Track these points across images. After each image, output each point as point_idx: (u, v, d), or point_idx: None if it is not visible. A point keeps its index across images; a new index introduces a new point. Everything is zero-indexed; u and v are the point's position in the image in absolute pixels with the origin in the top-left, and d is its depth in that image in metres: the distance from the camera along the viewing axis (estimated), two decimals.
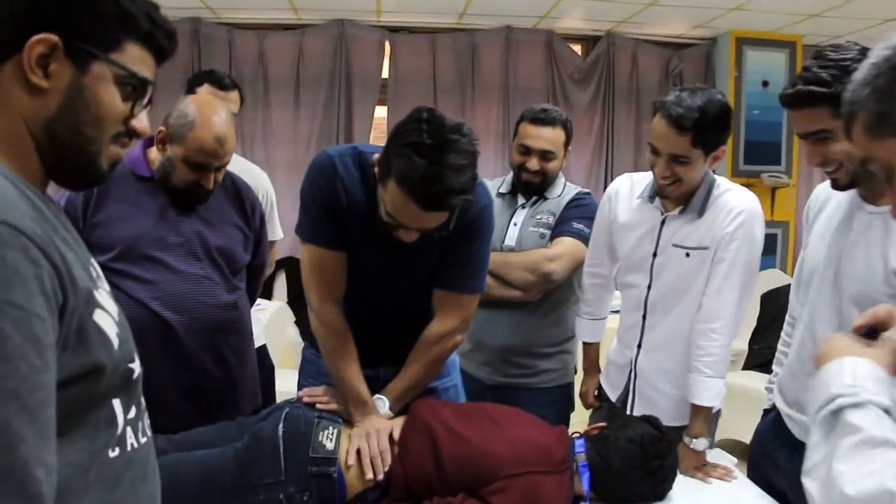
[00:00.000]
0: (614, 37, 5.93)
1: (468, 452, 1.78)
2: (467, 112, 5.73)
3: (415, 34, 5.74)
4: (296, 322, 4.78)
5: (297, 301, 4.68)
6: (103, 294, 0.97)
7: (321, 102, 5.60)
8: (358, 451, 1.82)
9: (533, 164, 2.58)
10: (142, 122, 1.05)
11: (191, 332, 2.04)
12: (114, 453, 0.97)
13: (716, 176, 2.20)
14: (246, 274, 2.29)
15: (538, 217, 2.63)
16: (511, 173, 2.72)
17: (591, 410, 2.58)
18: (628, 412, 2.32)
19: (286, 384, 3.05)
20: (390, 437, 1.87)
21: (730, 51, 5.83)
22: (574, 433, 1.98)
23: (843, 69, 1.65)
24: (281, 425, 1.81)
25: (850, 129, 1.06)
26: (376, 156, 1.83)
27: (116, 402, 0.98)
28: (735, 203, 2.11)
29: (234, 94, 3.00)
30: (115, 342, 0.95)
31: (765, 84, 5.79)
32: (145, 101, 1.04)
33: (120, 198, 2.07)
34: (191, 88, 2.94)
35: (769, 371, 2.26)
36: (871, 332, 1.12)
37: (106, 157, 1.02)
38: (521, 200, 2.70)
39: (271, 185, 3.15)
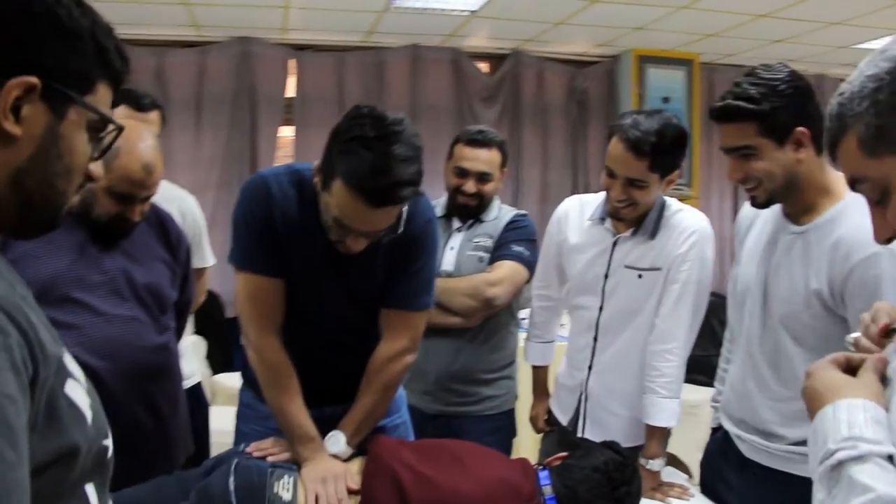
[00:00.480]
0: (520, 55, 5.97)
1: (438, 496, 1.70)
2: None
3: (321, 52, 5.62)
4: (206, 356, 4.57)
5: (203, 333, 4.46)
6: (69, 358, 0.84)
7: (224, 123, 5.40)
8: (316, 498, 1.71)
9: (469, 186, 2.52)
10: (96, 165, 0.93)
11: (120, 379, 1.87)
12: None
13: (666, 197, 2.20)
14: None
15: (476, 240, 2.57)
16: (444, 196, 2.66)
17: (541, 435, 2.55)
18: (579, 435, 2.30)
19: (214, 421, 2.89)
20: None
21: (632, 69, 5.96)
22: (536, 465, 1.93)
23: (772, 88, 1.68)
24: (231, 478, 1.67)
25: (836, 145, 1.00)
26: (315, 163, 1.75)
27: (90, 488, 0.84)
28: (687, 224, 2.13)
29: (154, 115, 2.77)
30: (89, 416, 0.82)
31: (665, 100, 5.94)
32: (107, 145, 0.92)
33: None
34: None
35: (695, 381, 2.28)
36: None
37: (67, 207, 0.89)
38: (456, 224, 2.63)
39: (200, 210, 2.96)
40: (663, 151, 2.01)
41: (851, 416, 0.97)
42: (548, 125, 6.10)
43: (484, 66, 6.10)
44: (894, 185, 0.96)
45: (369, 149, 1.58)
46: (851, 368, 1.06)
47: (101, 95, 0.88)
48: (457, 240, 2.60)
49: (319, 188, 1.72)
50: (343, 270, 1.85)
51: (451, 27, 5.35)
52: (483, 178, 2.52)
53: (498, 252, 2.52)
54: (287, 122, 5.60)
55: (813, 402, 1.04)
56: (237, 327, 5.73)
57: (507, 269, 2.47)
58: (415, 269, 1.92)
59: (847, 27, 5.18)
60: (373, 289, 1.93)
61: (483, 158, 2.52)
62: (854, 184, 1.01)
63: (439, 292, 2.39)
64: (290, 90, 5.59)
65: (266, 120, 5.50)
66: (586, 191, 5.99)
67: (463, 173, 2.53)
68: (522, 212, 2.67)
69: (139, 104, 2.74)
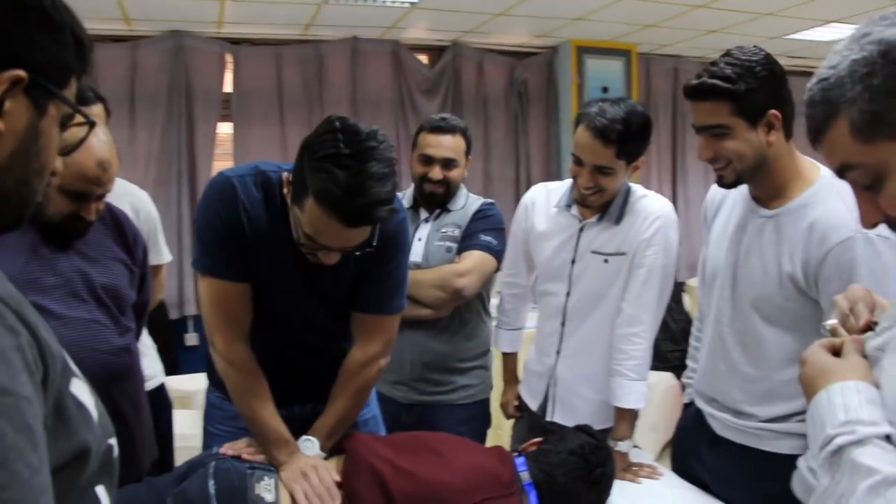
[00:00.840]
0: (460, 47, 5.96)
1: (420, 487, 1.68)
2: (315, 126, 5.53)
3: (258, 46, 5.50)
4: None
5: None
6: (68, 357, 0.80)
7: (159, 120, 5.23)
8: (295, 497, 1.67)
9: (436, 173, 2.51)
10: (59, 161, 0.90)
11: None
12: None
13: (631, 183, 2.22)
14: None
15: (443, 230, 2.56)
16: (411, 187, 2.64)
17: (512, 422, 2.56)
18: (548, 419, 2.32)
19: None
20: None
21: (571, 59, 6.01)
22: (512, 452, 1.93)
23: (749, 70, 1.71)
24: (211, 482, 1.61)
25: (823, 132, 0.98)
26: (285, 174, 1.68)
27: (101, 490, 0.80)
28: (651, 209, 2.15)
29: (98, 109, 2.61)
30: (95, 414, 0.78)
31: (605, 90, 6.01)
32: (78, 141, 0.91)
33: None
34: None
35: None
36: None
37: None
38: (423, 214, 2.62)
39: (153, 206, 2.85)
40: (630, 138, 2.03)
41: (846, 399, 0.97)
42: (489, 116, 6.11)
43: (424, 58, 6.07)
44: (892, 171, 0.94)
45: (343, 167, 1.51)
46: (835, 353, 1.07)
47: (73, 89, 0.86)
48: (424, 230, 2.58)
49: (290, 201, 1.65)
50: (312, 275, 1.79)
51: (390, 19, 5.30)
52: (448, 164, 2.52)
53: (466, 242, 2.52)
54: (225, 118, 5.46)
55: (808, 389, 1.04)
56: (182, 329, 5.61)
57: (476, 259, 2.46)
58: (388, 271, 1.88)
59: (779, 18, 5.33)
60: (343, 292, 1.88)
61: (447, 145, 2.52)
62: (843, 171, 0.99)
63: (410, 284, 2.37)
64: (228, 85, 5.46)
65: (203, 116, 5.35)
66: (528, 182, 6.06)
67: (428, 160, 2.53)
68: (489, 200, 2.65)
69: (80, 98, 2.58)
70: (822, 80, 0.97)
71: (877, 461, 0.89)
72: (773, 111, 1.72)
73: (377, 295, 1.89)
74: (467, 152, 2.59)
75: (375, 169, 1.53)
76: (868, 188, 0.98)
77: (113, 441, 0.83)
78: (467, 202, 2.61)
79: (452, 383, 2.55)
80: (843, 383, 0.99)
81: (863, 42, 0.92)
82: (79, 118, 0.87)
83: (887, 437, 0.92)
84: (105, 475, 0.81)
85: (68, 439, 0.73)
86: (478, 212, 2.56)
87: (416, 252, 2.53)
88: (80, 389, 0.78)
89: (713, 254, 1.98)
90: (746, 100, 1.71)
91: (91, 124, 0.88)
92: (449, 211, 2.59)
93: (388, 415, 2.40)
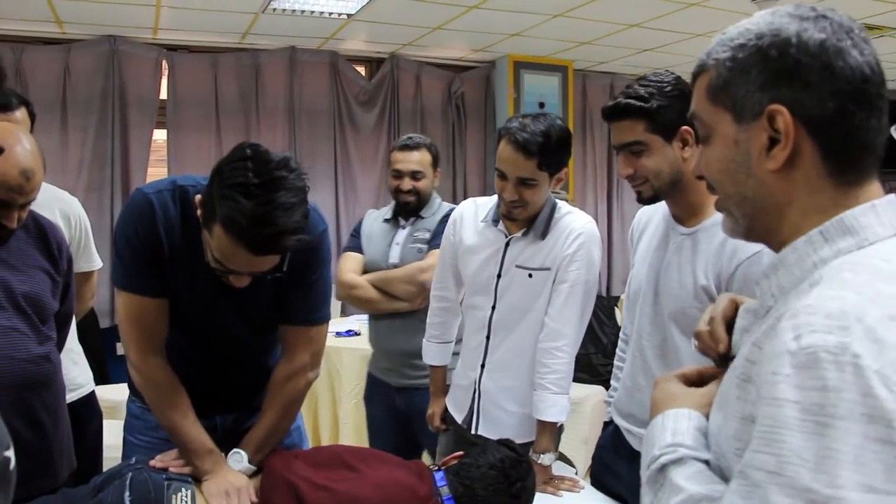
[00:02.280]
0: (398, 59, 6.01)
1: (337, 501, 1.69)
2: (252, 135, 5.54)
3: (195, 53, 5.47)
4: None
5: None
6: None
7: (92, 125, 5.18)
8: None
9: (405, 184, 2.88)
10: None
11: None
12: None
13: (557, 200, 2.28)
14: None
15: (416, 234, 2.91)
16: (392, 203, 3.00)
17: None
18: (473, 432, 2.34)
19: None
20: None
21: (508, 73, 6.11)
22: (431, 466, 1.94)
23: (660, 90, 1.80)
24: (127, 493, 1.61)
25: (696, 77, 1.02)
26: (198, 197, 1.68)
27: None
28: (574, 226, 2.20)
29: (21, 114, 2.54)
30: None
31: (541, 105, 6.12)
32: None
33: None
34: None
35: (577, 379, 2.37)
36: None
37: None
38: (401, 222, 2.98)
39: (84, 212, 2.80)
40: (550, 150, 2.10)
41: (677, 423, 1.04)
42: (426, 128, 6.15)
43: (362, 70, 6.11)
44: (716, 134, 0.98)
45: (250, 197, 1.50)
46: (703, 381, 1.13)
47: None
48: (401, 236, 2.94)
49: (202, 223, 1.65)
50: (231, 291, 1.78)
51: (328, 30, 5.32)
52: (415, 175, 2.89)
53: (432, 242, 2.85)
54: (160, 125, 5.41)
55: (652, 412, 1.10)
56: (113, 338, 5.51)
57: (437, 256, 2.63)
58: (311, 281, 1.89)
59: (710, 39, 5.46)
60: (263, 307, 1.89)
61: (414, 159, 2.90)
62: (692, 117, 1.03)
63: (382, 282, 2.86)
64: (164, 92, 5.41)
65: (137, 122, 5.30)
66: (465, 194, 6.12)
67: (398, 174, 2.91)
68: (455, 206, 2.79)
69: (3, 103, 2.51)
70: (722, 34, 1.00)
71: (687, 481, 0.95)
72: (685, 127, 1.80)
73: (301, 306, 1.90)
74: (434, 164, 2.95)
75: (284, 199, 1.52)
76: (702, 142, 1.03)
77: (9, 453, 0.83)
78: (438, 209, 2.96)
79: None
80: (679, 409, 1.06)
81: (763, 21, 0.95)
82: None
83: (707, 463, 0.98)
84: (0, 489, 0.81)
85: None
86: (445, 216, 2.85)
87: (394, 255, 2.91)
88: None
89: (637, 272, 2.04)
90: (659, 116, 1.80)
91: None
92: (422, 217, 2.94)
93: (383, 396, 2.89)
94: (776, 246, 0.97)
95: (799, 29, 0.90)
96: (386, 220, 2.99)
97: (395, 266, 2.87)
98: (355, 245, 3.02)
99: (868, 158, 0.91)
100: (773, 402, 0.78)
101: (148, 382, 1.84)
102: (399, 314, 2.85)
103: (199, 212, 1.67)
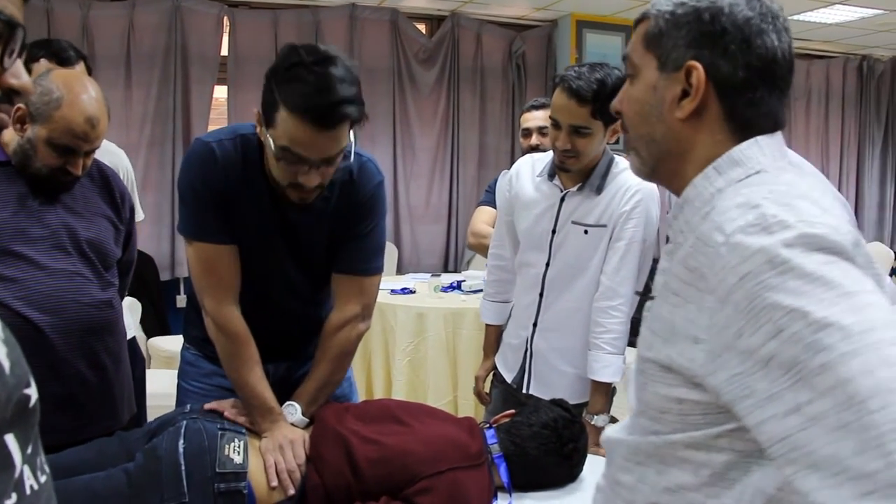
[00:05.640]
0: (459, 17, 5.94)
1: (385, 454, 1.70)
2: None
3: (256, 10, 5.49)
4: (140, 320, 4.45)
5: (138, 296, 4.34)
6: None
7: (155, 81, 5.23)
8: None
9: (534, 140, 3.21)
10: (20, 77, 0.84)
11: (62, 334, 1.81)
12: (10, 501, 0.79)
13: (615, 154, 2.22)
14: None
15: None
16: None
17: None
18: (524, 392, 2.32)
19: (150, 384, 2.84)
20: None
21: (571, 33, 6.00)
22: (483, 424, 1.94)
23: None
24: (181, 441, 1.63)
25: (636, 26, 1.12)
26: (256, 110, 1.69)
27: (10, 438, 0.79)
28: (632, 182, 2.15)
29: (80, 68, 2.59)
30: (6, 365, 0.78)
31: None
32: (17, 49, 0.82)
33: None
34: (26, 66, 2.53)
35: (630, 343, 2.31)
36: None
37: None
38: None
39: (131, 165, 2.85)
40: (605, 98, 2.02)
41: None
42: (485, 88, 6.10)
43: (422, 28, 6.05)
44: (641, 77, 1.09)
45: (309, 72, 1.57)
46: None
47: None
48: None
49: (263, 130, 1.67)
50: (292, 234, 1.82)
51: None
52: (542, 130, 3.10)
53: None
54: (221, 82, 5.45)
55: None
56: (173, 291, 5.63)
57: None
58: (365, 232, 1.90)
59: None
60: (321, 251, 1.90)
61: (540, 116, 3.15)
62: (625, 58, 1.14)
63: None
64: (224, 49, 5.44)
65: (198, 79, 5.35)
66: (522, 154, 6.03)
67: (527, 133, 3.24)
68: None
69: (61, 57, 2.57)
70: None
71: None
72: None
73: (354, 256, 1.91)
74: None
75: (339, 73, 1.59)
76: (629, 78, 1.13)
77: (30, 391, 0.82)
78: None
79: None
80: None
81: None
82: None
83: None
84: (17, 424, 0.80)
85: None
86: None
87: None
88: None
89: None
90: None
91: (10, 25, 0.80)
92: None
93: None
94: (677, 190, 1.09)
95: (732, 3, 1.02)
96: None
97: None
98: (489, 199, 3.36)
99: (765, 124, 1.04)
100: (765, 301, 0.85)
101: (221, 332, 1.85)
102: None
103: (258, 128, 1.69)
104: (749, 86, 1.02)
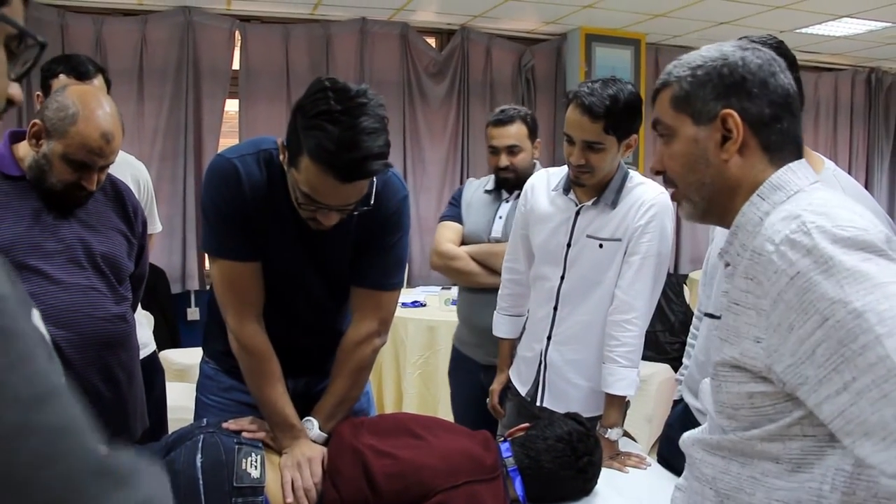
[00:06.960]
0: (469, 31, 5.96)
1: (401, 468, 1.71)
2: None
3: (267, 24, 5.51)
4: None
5: (149, 308, 4.36)
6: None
7: (167, 95, 5.26)
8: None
9: (502, 160, 2.76)
10: (14, 87, 0.80)
11: (77, 348, 1.83)
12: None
13: (629, 168, 2.23)
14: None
15: None
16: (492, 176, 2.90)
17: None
18: (538, 405, 2.32)
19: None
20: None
21: (580, 46, 6.00)
22: (498, 437, 1.94)
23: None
24: (199, 455, 1.64)
25: (658, 92, 1.29)
26: (279, 139, 1.70)
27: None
28: (647, 196, 2.15)
29: (98, 81, 2.62)
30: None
31: None
32: (30, 65, 0.80)
33: None
34: (45, 82, 2.56)
35: (643, 356, 2.30)
36: None
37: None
38: (505, 195, 2.85)
39: (149, 177, 2.88)
40: (617, 114, 2.05)
41: None
42: (496, 101, 6.08)
43: (432, 42, 6.07)
44: (678, 135, 1.25)
45: (335, 123, 1.53)
46: None
47: (16, 7, 0.75)
48: (505, 209, 2.82)
49: (286, 165, 1.67)
50: (314, 248, 1.82)
51: (399, 1, 5.29)
52: (512, 150, 2.75)
53: None
54: (232, 96, 5.48)
55: None
56: (184, 304, 5.64)
57: None
58: (388, 246, 1.90)
59: (791, 11, 5.30)
60: (343, 266, 1.90)
61: (509, 133, 2.76)
62: (655, 123, 1.29)
63: (485, 256, 2.77)
64: (235, 63, 5.47)
65: (210, 93, 5.38)
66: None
67: (494, 151, 2.79)
68: None
69: (80, 71, 2.58)
70: (678, 59, 1.29)
71: None
72: None
73: (375, 270, 1.91)
74: (532, 135, 2.79)
75: (367, 123, 1.55)
76: (664, 139, 1.30)
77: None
78: None
79: None
80: None
81: (714, 49, 1.25)
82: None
83: None
84: None
85: None
86: None
87: (497, 229, 2.80)
88: None
89: (714, 249, 1.99)
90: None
91: (42, 45, 0.79)
92: None
93: (468, 373, 2.81)
94: (729, 223, 1.24)
95: (742, 55, 1.21)
96: (487, 192, 2.87)
97: (498, 241, 2.74)
98: (454, 214, 2.93)
99: (793, 147, 1.22)
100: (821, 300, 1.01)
101: (244, 349, 1.85)
102: (494, 289, 2.62)
103: (282, 156, 1.69)
104: (776, 118, 1.20)
